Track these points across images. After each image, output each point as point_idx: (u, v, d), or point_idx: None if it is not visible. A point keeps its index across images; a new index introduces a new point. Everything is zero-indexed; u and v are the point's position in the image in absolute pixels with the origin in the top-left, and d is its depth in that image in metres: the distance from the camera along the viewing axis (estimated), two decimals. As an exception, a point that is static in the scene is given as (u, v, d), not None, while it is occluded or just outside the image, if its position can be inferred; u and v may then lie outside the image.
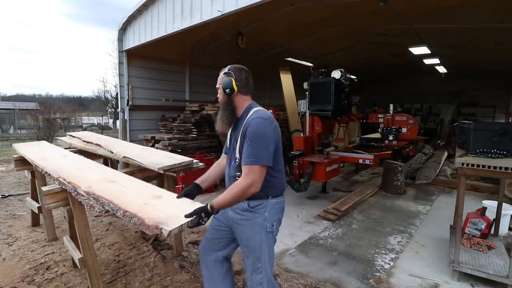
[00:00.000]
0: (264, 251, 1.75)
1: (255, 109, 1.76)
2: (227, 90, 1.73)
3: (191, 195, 1.85)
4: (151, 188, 2.11)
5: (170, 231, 1.43)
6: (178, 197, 1.82)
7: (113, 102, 25.93)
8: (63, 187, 2.22)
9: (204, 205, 1.61)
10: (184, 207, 1.67)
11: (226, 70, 1.80)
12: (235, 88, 1.73)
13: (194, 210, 1.55)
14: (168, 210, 1.65)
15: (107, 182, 2.20)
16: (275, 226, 1.79)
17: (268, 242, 1.77)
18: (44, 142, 4.24)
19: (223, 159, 2.04)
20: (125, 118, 6.79)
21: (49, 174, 2.49)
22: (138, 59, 6.84)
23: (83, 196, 1.98)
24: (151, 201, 1.82)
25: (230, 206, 1.67)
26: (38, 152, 3.35)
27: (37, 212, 3.69)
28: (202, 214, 1.55)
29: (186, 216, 1.53)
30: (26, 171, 3.79)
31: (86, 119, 32.12)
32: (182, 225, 1.51)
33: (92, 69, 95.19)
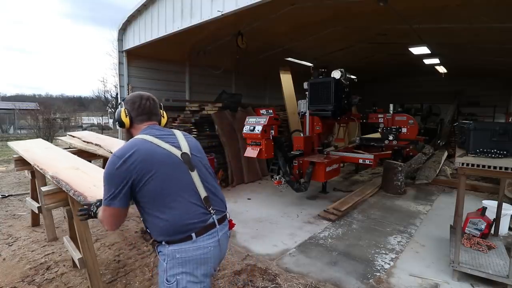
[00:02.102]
0: None
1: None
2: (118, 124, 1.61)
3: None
4: None
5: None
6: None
7: (113, 102, 25.95)
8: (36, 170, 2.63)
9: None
10: None
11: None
12: (126, 121, 1.57)
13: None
14: None
15: (72, 169, 2.58)
16: (178, 282, 1.38)
17: None
18: (40, 140, 4.33)
19: None
20: (125, 118, 6.79)
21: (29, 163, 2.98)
22: (138, 59, 6.84)
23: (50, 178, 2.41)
24: (100, 183, 1.70)
25: None
26: (26, 145, 3.75)
27: (37, 212, 3.69)
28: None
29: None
30: (26, 171, 3.79)
31: (86, 119, 32.12)
32: None
33: (92, 69, 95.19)
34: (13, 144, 3.88)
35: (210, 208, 1.47)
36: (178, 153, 1.47)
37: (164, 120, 1.71)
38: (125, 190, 1.35)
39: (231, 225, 1.63)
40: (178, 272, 1.38)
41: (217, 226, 1.48)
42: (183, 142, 1.54)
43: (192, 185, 1.46)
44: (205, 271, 1.44)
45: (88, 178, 2.36)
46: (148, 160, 1.38)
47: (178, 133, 1.59)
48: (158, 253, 1.45)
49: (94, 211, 1.57)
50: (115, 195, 1.34)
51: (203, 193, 1.48)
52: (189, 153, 1.51)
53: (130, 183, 1.35)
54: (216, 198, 1.55)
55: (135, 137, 1.49)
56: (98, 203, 1.57)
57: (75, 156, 3.24)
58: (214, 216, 1.48)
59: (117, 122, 1.61)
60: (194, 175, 1.48)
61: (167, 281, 1.39)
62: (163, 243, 1.41)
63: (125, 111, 1.57)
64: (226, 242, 1.57)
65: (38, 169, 2.69)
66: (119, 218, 1.40)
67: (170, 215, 1.38)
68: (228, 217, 1.61)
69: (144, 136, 1.47)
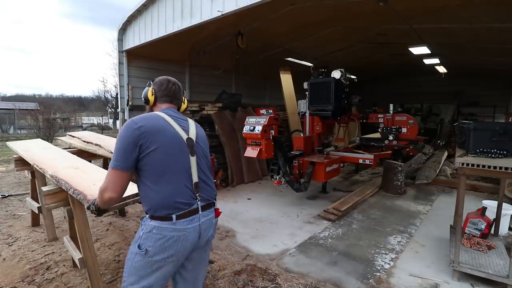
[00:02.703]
0: (126, 265, 1.55)
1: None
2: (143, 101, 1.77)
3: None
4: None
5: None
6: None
7: (113, 102, 25.92)
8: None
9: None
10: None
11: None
12: (151, 99, 1.73)
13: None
14: None
15: (71, 168, 2.61)
16: (148, 253, 1.47)
17: (131, 260, 1.52)
18: (39, 140, 4.36)
19: None
20: (125, 118, 6.79)
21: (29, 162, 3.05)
22: (138, 59, 6.85)
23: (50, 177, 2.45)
24: (100, 182, 1.84)
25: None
26: (26, 145, 3.77)
27: (37, 212, 3.69)
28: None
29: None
30: (26, 171, 3.79)
31: (86, 119, 32.13)
32: None
33: (92, 69, 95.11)
34: (12, 144, 3.90)
35: (198, 194, 1.57)
36: (184, 136, 1.59)
37: (183, 106, 1.85)
38: (133, 154, 1.45)
39: (217, 213, 1.70)
40: (150, 244, 1.46)
41: (200, 213, 1.56)
42: (192, 129, 1.66)
43: (188, 169, 1.56)
44: (175, 251, 1.50)
45: (88, 177, 2.39)
46: (158, 133, 1.50)
47: (191, 121, 1.72)
48: (141, 223, 1.55)
49: (95, 205, 1.63)
50: (123, 157, 1.44)
51: (195, 178, 1.58)
52: (194, 139, 1.62)
53: (138, 148, 1.45)
54: (206, 187, 1.64)
55: (153, 112, 1.66)
56: (95, 201, 1.63)
57: (75, 156, 3.27)
58: (199, 202, 1.57)
59: (143, 99, 1.77)
60: (193, 160, 1.58)
61: (139, 248, 1.49)
62: (147, 216, 1.51)
63: (152, 90, 1.73)
64: (210, 228, 1.64)
65: (38, 168, 2.73)
66: (122, 181, 1.47)
67: (163, 188, 1.48)
68: (215, 205, 1.69)
69: (161, 113, 1.61)
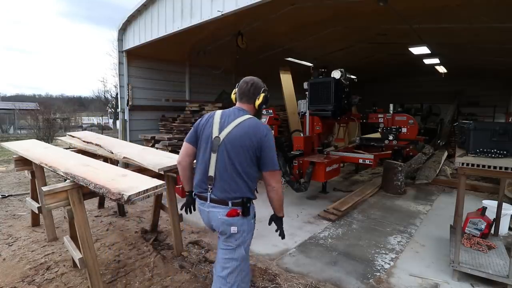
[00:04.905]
0: None
1: None
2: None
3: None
4: (119, 170, 2.60)
5: (129, 195, 1.87)
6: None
7: (113, 102, 25.93)
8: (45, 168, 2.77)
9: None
10: (145, 182, 2.14)
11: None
12: (233, 98, 2.05)
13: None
14: (131, 183, 2.11)
15: (82, 166, 2.60)
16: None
17: None
18: (34, 140, 4.37)
19: None
20: (125, 118, 6.79)
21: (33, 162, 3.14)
22: (138, 59, 6.85)
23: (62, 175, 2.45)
24: (118, 178, 2.24)
25: None
26: (24, 146, 3.78)
27: (37, 212, 3.68)
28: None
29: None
30: (26, 171, 3.79)
31: (86, 119, 32.12)
32: (139, 192, 1.93)
33: (92, 69, 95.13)
34: (8, 145, 3.88)
35: (210, 186, 1.80)
36: (214, 134, 1.82)
37: (258, 102, 1.97)
38: (194, 133, 1.92)
39: (229, 213, 1.79)
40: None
41: (208, 202, 1.82)
42: (228, 130, 1.80)
43: (207, 162, 1.82)
44: (203, 218, 1.92)
45: (102, 173, 2.39)
46: (204, 127, 1.89)
47: (236, 122, 1.83)
48: None
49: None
50: (190, 135, 1.94)
51: (211, 173, 1.80)
52: (222, 139, 1.79)
53: (196, 131, 1.92)
54: (224, 185, 1.78)
55: (215, 111, 1.96)
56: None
57: (79, 155, 3.28)
58: (209, 193, 1.81)
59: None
60: (213, 156, 1.80)
61: None
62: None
63: (234, 90, 2.01)
64: (217, 221, 1.82)
65: (47, 167, 2.70)
66: (184, 153, 1.95)
67: (196, 170, 1.93)
68: (231, 205, 1.79)
69: (220, 111, 1.94)
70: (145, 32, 5.95)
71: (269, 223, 2.08)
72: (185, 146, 1.94)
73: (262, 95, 1.96)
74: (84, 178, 2.18)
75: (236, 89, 1.98)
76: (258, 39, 6.94)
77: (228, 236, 1.81)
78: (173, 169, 2.78)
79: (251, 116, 1.88)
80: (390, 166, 5.71)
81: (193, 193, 1.93)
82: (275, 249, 3.42)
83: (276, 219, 2.02)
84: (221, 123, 1.82)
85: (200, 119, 1.95)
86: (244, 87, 1.94)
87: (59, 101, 39.33)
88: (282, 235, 2.04)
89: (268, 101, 2.02)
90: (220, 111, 1.93)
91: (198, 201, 1.91)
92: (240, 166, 1.76)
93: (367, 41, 8.03)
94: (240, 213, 1.79)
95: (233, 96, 2.03)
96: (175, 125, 6.56)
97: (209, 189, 1.79)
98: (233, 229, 1.79)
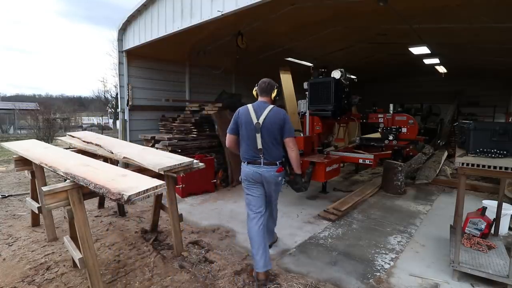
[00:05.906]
0: None
1: None
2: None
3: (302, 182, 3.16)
4: (119, 170, 2.65)
5: (129, 195, 1.89)
6: (305, 181, 3.72)
7: (113, 102, 25.93)
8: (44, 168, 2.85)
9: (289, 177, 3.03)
10: (144, 182, 2.17)
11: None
12: (254, 93, 3.00)
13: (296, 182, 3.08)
14: (131, 184, 2.13)
15: (82, 165, 2.63)
16: (242, 179, 2.92)
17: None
18: (34, 140, 4.37)
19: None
20: (125, 118, 6.79)
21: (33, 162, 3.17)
22: (138, 59, 6.84)
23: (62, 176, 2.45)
24: (118, 178, 2.29)
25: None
26: (24, 146, 3.76)
27: (37, 212, 3.68)
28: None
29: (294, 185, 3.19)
30: (26, 171, 3.79)
31: (86, 119, 32.14)
32: (139, 192, 1.95)
33: (92, 69, 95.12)
34: (8, 145, 3.88)
35: (261, 154, 2.73)
36: (255, 121, 2.72)
37: (273, 95, 2.88)
38: (235, 125, 2.85)
39: (278, 170, 2.78)
40: (242, 175, 2.89)
41: (262, 164, 2.74)
42: (263, 116, 2.70)
43: (255, 139, 2.72)
44: (247, 177, 2.83)
45: (102, 173, 2.40)
46: (243, 118, 2.78)
47: (267, 110, 2.72)
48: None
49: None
50: (231, 128, 2.86)
51: (259, 146, 2.72)
52: (261, 123, 2.69)
53: (236, 123, 2.84)
54: (269, 152, 2.74)
55: (247, 104, 2.85)
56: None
57: (78, 155, 3.28)
58: (261, 159, 2.74)
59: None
60: (258, 136, 2.71)
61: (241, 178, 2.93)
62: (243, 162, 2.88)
63: (255, 88, 2.95)
64: (269, 177, 2.77)
65: (47, 167, 2.71)
66: (230, 141, 2.92)
67: (242, 147, 2.85)
68: (277, 165, 2.78)
69: (250, 105, 2.82)
70: (145, 32, 5.95)
71: (288, 184, 3.12)
72: (230, 137, 2.88)
73: (275, 90, 2.88)
74: (84, 178, 2.19)
75: (256, 87, 2.91)
76: (258, 39, 6.93)
77: (275, 183, 2.83)
78: (173, 169, 2.78)
79: (273, 106, 2.79)
80: (390, 166, 5.71)
81: (246, 162, 2.81)
82: (275, 249, 3.42)
83: (296, 176, 2.97)
84: (256, 113, 2.72)
85: (236, 113, 2.82)
86: (263, 85, 2.86)
87: (59, 101, 39.36)
88: (305, 187, 3.35)
89: (280, 94, 2.94)
90: (251, 105, 2.79)
91: (251, 166, 2.77)
92: (275, 139, 2.73)
93: (367, 41, 8.03)
94: (282, 169, 2.82)
95: (254, 92, 2.95)
96: (175, 125, 6.56)
97: (261, 156, 2.71)
98: (280, 179, 2.84)
